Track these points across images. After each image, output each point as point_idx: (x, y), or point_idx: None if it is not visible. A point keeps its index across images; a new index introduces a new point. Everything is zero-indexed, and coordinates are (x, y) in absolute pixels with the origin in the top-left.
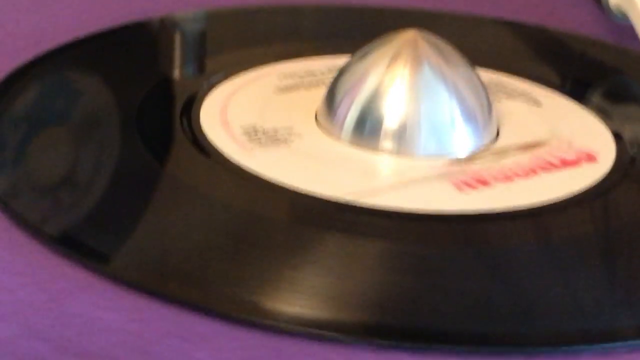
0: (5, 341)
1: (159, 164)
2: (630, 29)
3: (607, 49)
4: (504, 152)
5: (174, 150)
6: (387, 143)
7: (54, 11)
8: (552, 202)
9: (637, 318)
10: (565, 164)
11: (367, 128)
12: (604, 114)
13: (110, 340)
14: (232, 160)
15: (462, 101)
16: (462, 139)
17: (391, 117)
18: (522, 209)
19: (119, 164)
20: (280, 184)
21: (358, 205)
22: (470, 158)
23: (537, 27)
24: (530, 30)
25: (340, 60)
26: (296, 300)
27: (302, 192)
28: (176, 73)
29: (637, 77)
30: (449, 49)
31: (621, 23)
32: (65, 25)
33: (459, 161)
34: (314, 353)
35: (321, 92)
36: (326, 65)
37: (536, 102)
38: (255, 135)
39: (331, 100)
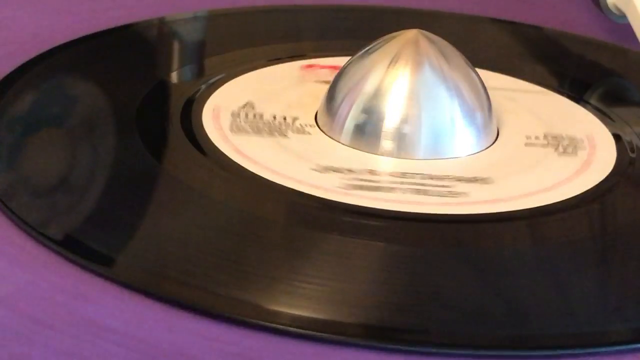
0: (4, 341)
1: (159, 165)
2: (628, 27)
3: (606, 49)
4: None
5: (174, 151)
6: (387, 144)
7: (52, 12)
8: (552, 205)
9: (630, 321)
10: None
11: (367, 129)
12: (604, 115)
13: (110, 340)
14: (233, 161)
15: (462, 102)
16: (462, 141)
17: (392, 117)
18: (521, 212)
19: (119, 166)
20: (280, 185)
21: (358, 206)
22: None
23: (537, 27)
24: (530, 30)
25: (341, 60)
26: (295, 302)
27: (301, 193)
28: (176, 74)
29: (636, 77)
30: (450, 49)
31: (619, 22)
32: (64, 25)
33: (457, 162)
34: (311, 354)
35: (322, 93)
36: (326, 65)
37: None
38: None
39: (332, 100)
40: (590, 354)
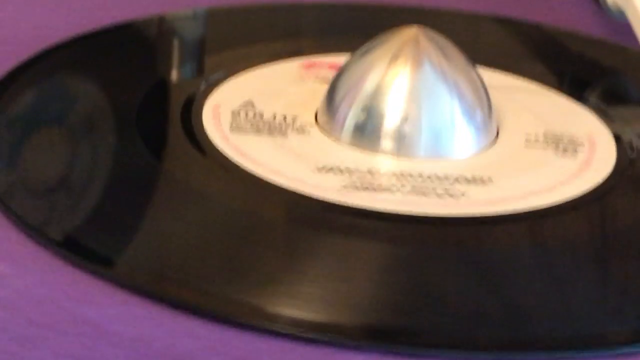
0: (3, 342)
1: (159, 165)
2: (628, 26)
3: (606, 47)
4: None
5: (174, 151)
6: (387, 143)
7: (50, 10)
8: (552, 205)
9: (632, 323)
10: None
11: (367, 128)
12: (604, 114)
13: (110, 342)
14: (232, 161)
15: (463, 101)
16: (462, 139)
17: (392, 116)
18: (521, 212)
19: (118, 166)
20: (280, 185)
21: (357, 207)
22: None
23: (537, 25)
24: (530, 28)
25: (341, 58)
26: (294, 303)
27: (302, 194)
28: (176, 73)
29: (636, 75)
30: (450, 47)
31: (619, 21)
32: (63, 24)
33: (458, 162)
34: (311, 356)
35: (322, 91)
36: (327, 63)
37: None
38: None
39: (331, 99)
40: (591, 357)
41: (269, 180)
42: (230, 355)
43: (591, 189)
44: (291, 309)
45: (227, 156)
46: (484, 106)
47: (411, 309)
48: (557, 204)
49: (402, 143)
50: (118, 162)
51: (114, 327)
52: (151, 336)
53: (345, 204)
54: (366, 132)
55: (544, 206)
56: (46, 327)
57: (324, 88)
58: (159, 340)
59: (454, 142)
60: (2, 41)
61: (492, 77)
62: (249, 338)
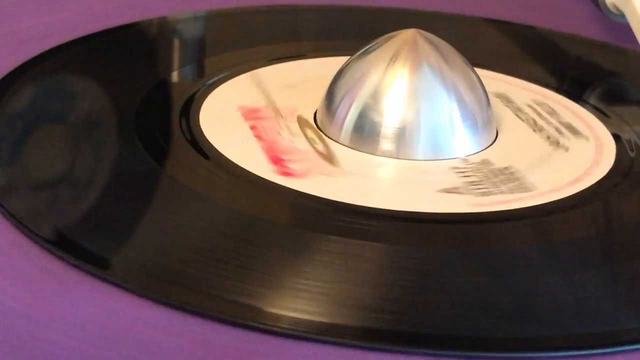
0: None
1: (158, 165)
2: (627, 27)
3: (605, 48)
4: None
5: (173, 152)
6: (386, 144)
7: (52, 11)
8: (552, 203)
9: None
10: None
11: (366, 129)
12: (603, 114)
13: (106, 344)
14: (231, 162)
15: (461, 102)
16: (461, 141)
17: (390, 118)
18: (521, 210)
19: (117, 166)
20: (280, 186)
21: (357, 207)
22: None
23: (535, 27)
24: (528, 30)
25: (339, 61)
26: (296, 304)
27: (302, 194)
28: (175, 74)
29: (635, 76)
30: (448, 49)
31: (618, 21)
32: (63, 25)
33: (457, 163)
34: (313, 356)
35: (321, 93)
36: (326, 65)
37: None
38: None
39: (330, 101)
40: (600, 354)
41: (268, 181)
42: (230, 355)
43: (591, 186)
44: (292, 310)
45: (226, 157)
46: (483, 107)
47: (413, 308)
48: (558, 201)
49: (401, 144)
50: (117, 162)
51: (113, 327)
52: (150, 337)
53: (346, 204)
54: (365, 133)
55: (545, 204)
56: (44, 326)
57: (324, 90)
58: (158, 340)
59: (452, 143)
60: (3, 42)
61: (491, 79)
62: (249, 338)
